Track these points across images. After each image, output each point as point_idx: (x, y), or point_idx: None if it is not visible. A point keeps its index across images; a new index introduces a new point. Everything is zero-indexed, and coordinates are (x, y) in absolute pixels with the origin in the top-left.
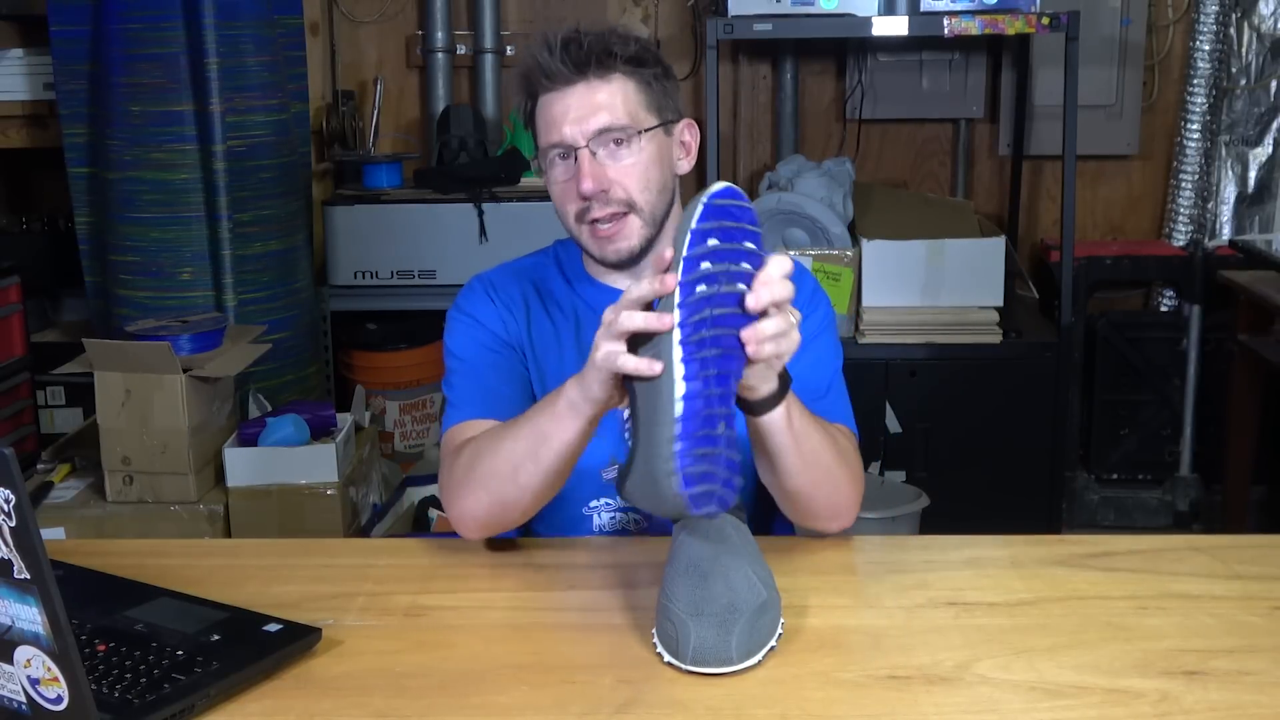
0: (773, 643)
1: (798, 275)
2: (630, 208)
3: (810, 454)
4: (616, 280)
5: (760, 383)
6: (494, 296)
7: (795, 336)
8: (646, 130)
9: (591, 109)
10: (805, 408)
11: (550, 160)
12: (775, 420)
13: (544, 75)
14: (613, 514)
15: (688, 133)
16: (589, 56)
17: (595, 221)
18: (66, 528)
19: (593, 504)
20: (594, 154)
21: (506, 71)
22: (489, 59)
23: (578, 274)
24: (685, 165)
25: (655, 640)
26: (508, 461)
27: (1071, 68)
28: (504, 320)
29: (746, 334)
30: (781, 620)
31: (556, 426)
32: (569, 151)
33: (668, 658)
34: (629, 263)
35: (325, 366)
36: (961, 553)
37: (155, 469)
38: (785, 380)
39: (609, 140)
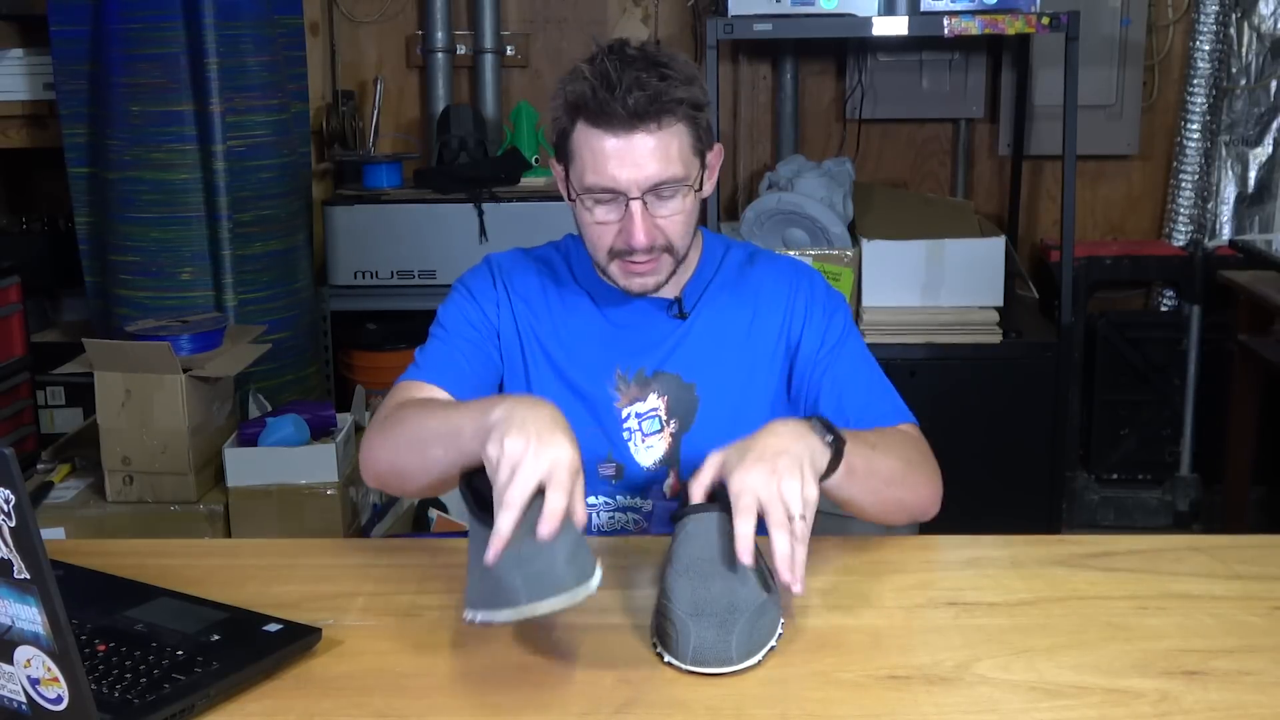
0: (773, 643)
1: (808, 276)
2: (667, 250)
3: (883, 484)
4: None
5: None
6: (498, 280)
7: (803, 497)
8: (695, 184)
9: (647, 157)
10: (861, 440)
11: (591, 198)
12: (835, 481)
13: (599, 111)
14: (610, 514)
15: (714, 157)
16: (651, 105)
17: (630, 260)
18: (66, 528)
19: (589, 501)
20: (645, 204)
21: (506, 71)
22: (489, 59)
23: (586, 273)
24: (709, 188)
25: (655, 640)
26: (422, 439)
27: (1071, 68)
28: (499, 304)
29: (784, 572)
30: (781, 620)
31: (474, 430)
32: (617, 197)
33: (668, 658)
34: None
35: (325, 366)
36: (961, 553)
37: (155, 469)
38: (837, 445)
39: (660, 189)
